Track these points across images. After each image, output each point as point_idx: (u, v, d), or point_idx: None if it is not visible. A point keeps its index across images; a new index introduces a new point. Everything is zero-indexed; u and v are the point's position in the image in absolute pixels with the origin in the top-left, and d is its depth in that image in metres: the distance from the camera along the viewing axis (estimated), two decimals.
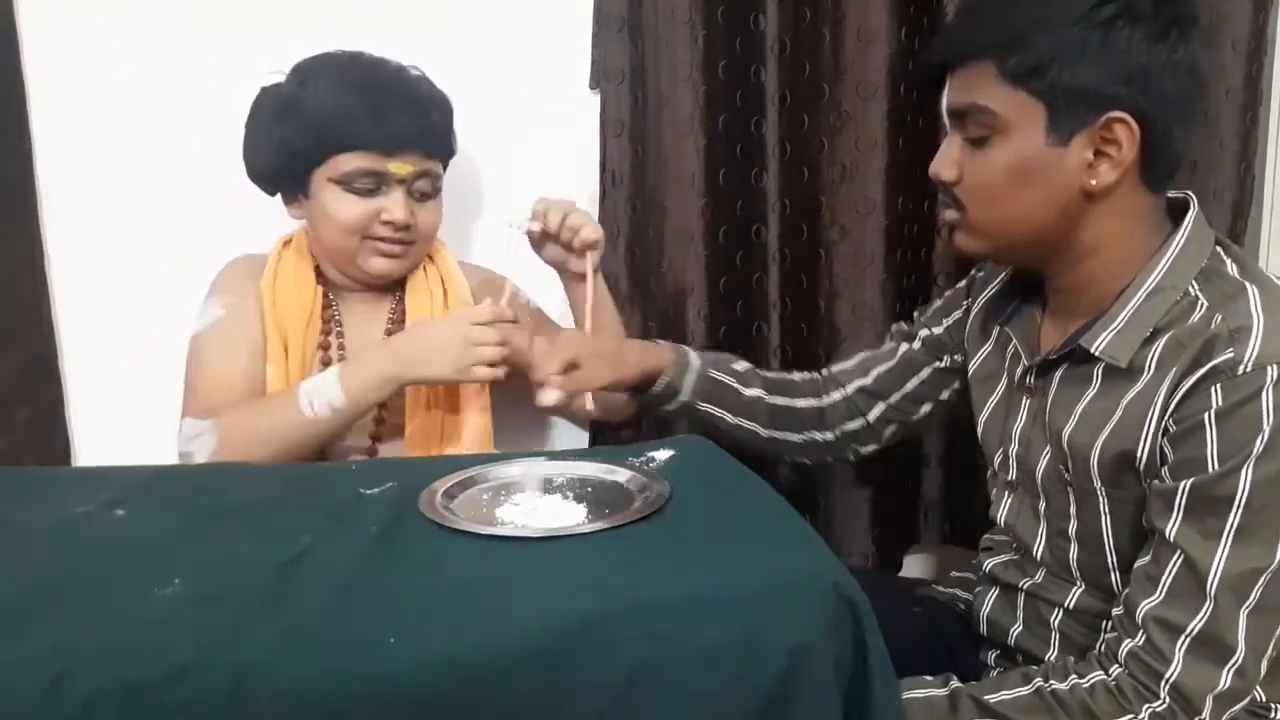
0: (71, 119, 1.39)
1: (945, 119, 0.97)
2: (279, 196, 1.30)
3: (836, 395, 1.25)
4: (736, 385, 1.24)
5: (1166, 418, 0.88)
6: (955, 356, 1.18)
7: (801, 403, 1.26)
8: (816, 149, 1.49)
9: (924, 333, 1.21)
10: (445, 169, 1.31)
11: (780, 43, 1.43)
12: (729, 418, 1.24)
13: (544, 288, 1.44)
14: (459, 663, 0.66)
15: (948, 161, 0.96)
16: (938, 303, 1.22)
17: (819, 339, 1.54)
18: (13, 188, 1.38)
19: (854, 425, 1.25)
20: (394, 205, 1.23)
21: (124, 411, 1.42)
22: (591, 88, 1.45)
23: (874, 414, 1.23)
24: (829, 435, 1.26)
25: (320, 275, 1.31)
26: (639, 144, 1.44)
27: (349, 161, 1.21)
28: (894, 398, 1.22)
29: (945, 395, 1.22)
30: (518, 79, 1.43)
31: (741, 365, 1.27)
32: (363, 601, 0.71)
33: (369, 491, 0.90)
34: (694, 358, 1.24)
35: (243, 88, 1.38)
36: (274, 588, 0.73)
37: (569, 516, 0.84)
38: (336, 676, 0.65)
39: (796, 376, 1.30)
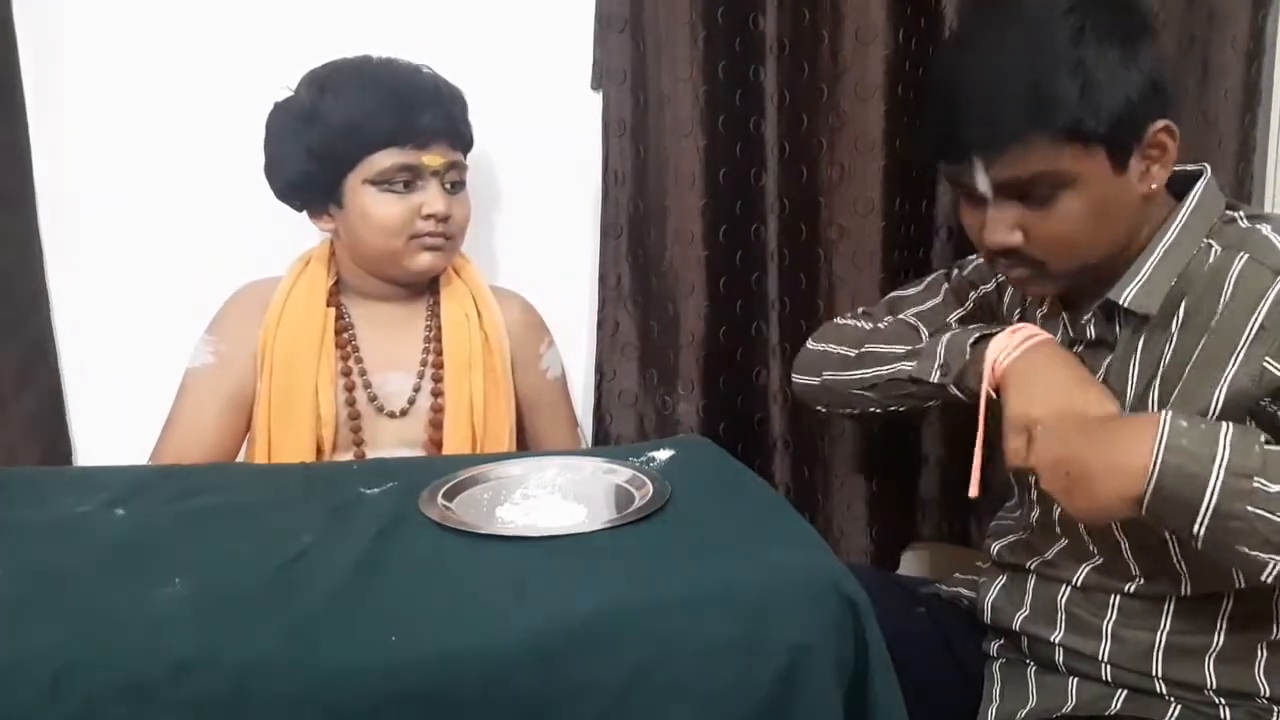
0: (69, 115, 1.39)
1: (985, 193, 0.94)
2: (304, 213, 1.28)
3: None
4: None
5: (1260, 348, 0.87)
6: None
7: None
8: (815, 149, 1.49)
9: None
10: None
11: (779, 43, 1.43)
12: None
13: (543, 288, 1.44)
14: (459, 662, 0.66)
15: (1006, 229, 0.94)
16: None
17: None
18: (11, 184, 1.37)
19: None
20: (432, 197, 1.24)
21: (123, 409, 1.42)
22: (593, 88, 1.45)
23: None
24: None
25: (334, 295, 1.29)
26: (640, 144, 1.44)
27: (384, 159, 1.21)
28: None
29: None
30: (520, 79, 1.43)
31: None
32: (363, 601, 0.71)
33: (369, 491, 0.90)
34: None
35: (241, 87, 1.38)
36: (274, 587, 0.73)
37: (569, 516, 0.84)
38: (337, 675, 0.65)
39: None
